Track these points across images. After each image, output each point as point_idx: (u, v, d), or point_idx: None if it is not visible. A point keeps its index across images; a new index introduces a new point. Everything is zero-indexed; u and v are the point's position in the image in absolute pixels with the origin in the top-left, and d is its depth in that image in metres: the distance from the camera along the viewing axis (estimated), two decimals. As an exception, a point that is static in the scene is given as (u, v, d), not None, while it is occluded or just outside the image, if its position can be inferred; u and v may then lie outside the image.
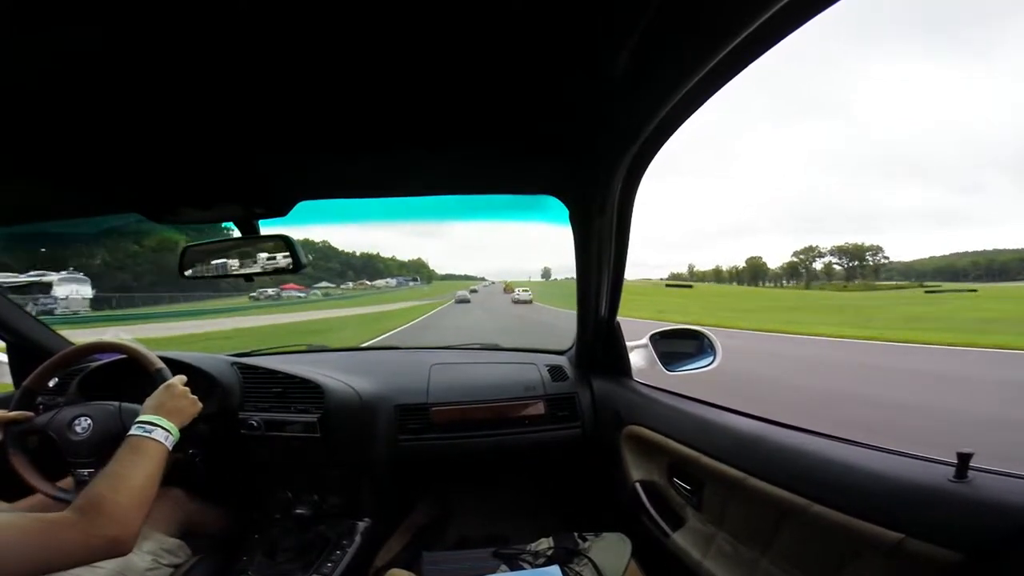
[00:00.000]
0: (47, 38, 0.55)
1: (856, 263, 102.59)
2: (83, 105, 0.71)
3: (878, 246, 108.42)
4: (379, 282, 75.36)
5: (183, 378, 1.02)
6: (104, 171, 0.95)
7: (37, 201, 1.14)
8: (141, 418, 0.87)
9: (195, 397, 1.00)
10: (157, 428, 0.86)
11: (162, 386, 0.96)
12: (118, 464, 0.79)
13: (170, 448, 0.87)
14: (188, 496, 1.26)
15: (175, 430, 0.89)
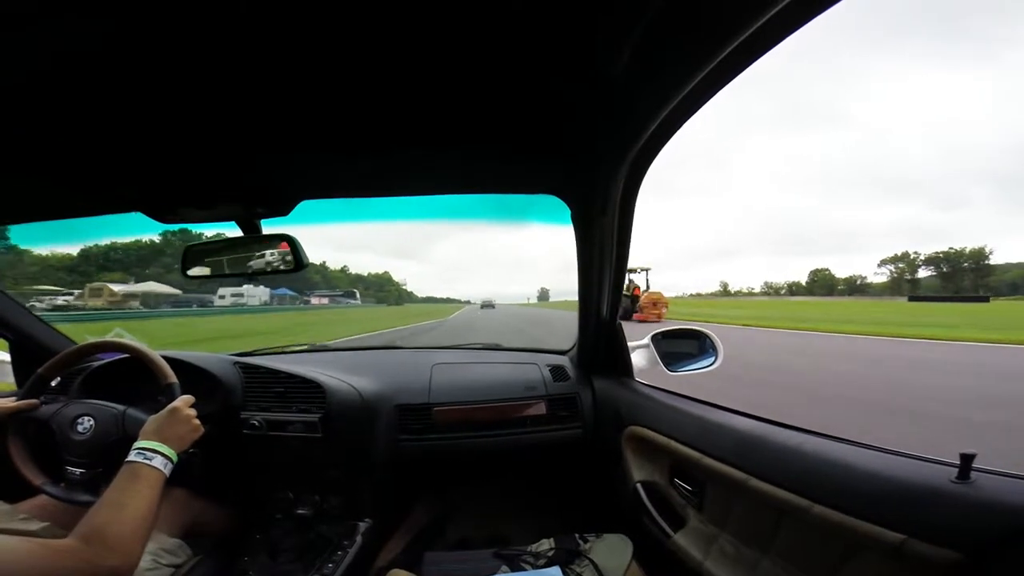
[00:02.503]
0: (49, 37, 0.55)
1: (972, 268, 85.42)
2: (85, 104, 0.71)
3: (988, 250, 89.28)
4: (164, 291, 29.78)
5: (189, 399, 1.00)
6: (106, 170, 0.95)
7: (38, 200, 1.15)
8: (141, 444, 0.86)
9: (198, 422, 0.98)
10: (157, 455, 0.85)
11: (166, 410, 0.95)
12: (119, 492, 0.79)
13: (168, 475, 0.86)
14: (189, 496, 1.26)
15: (174, 456, 0.89)
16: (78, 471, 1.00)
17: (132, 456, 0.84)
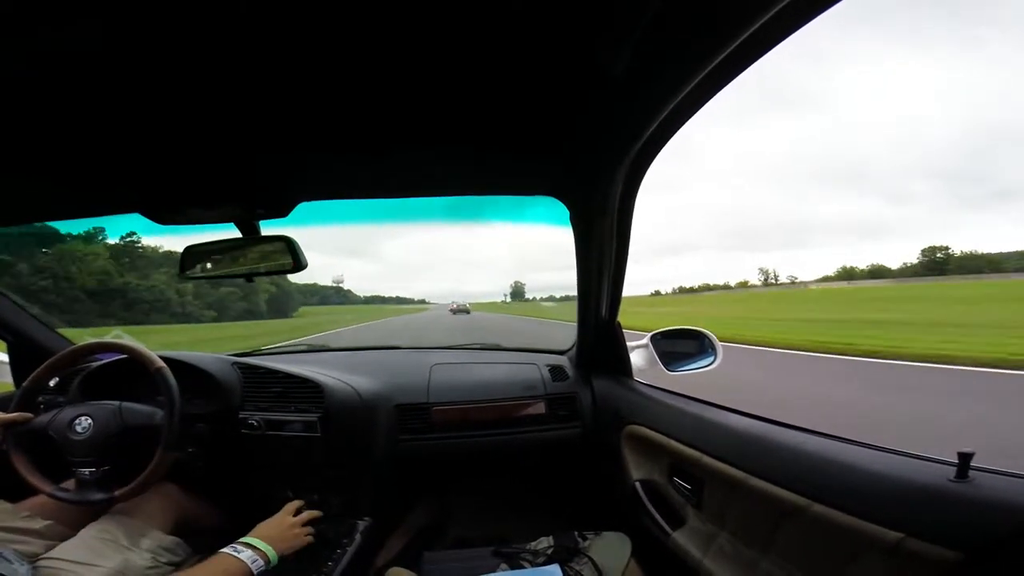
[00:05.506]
0: (49, 37, 0.55)
1: None
2: (85, 104, 0.71)
3: None
4: None
5: (293, 506, 1.13)
6: (105, 171, 0.95)
7: (38, 201, 1.15)
8: (242, 539, 0.96)
9: (309, 527, 1.09)
10: (248, 549, 0.94)
11: (280, 513, 1.09)
12: (196, 570, 0.88)
13: (256, 573, 0.92)
14: (187, 494, 1.26)
15: (272, 555, 0.97)
16: (87, 471, 1.00)
17: (225, 549, 0.93)
